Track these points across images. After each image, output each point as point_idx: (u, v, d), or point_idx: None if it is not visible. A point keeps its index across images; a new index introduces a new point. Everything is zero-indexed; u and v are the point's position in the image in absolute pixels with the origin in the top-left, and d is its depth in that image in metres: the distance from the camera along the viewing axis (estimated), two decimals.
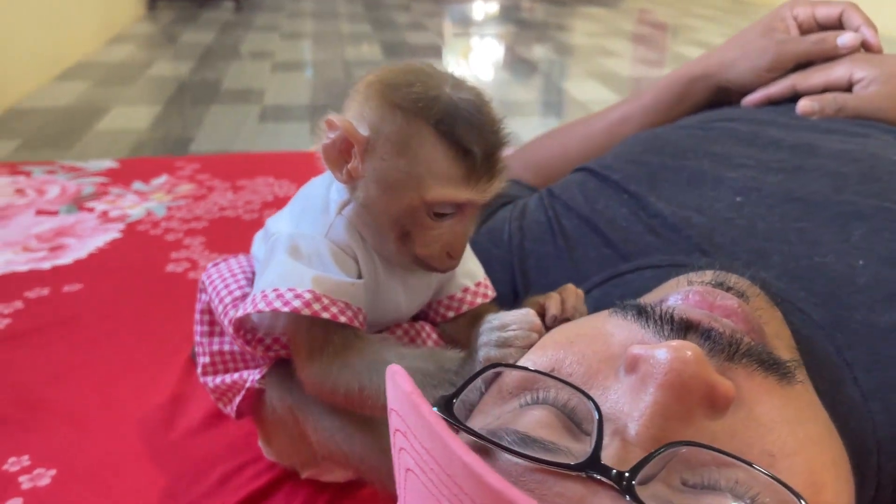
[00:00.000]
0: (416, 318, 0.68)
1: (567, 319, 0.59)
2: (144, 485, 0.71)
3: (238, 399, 0.66)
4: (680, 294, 0.44)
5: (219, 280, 0.66)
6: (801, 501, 0.32)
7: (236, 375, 0.66)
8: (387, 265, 0.60)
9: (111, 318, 0.98)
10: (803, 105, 0.84)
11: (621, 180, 0.76)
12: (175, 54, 2.93)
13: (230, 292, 0.64)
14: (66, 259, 1.12)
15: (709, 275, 0.47)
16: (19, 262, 1.11)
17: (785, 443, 0.36)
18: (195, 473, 0.72)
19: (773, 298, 0.59)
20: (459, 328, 0.66)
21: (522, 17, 4.30)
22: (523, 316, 0.52)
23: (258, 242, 0.66)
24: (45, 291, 1.04)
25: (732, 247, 0.65)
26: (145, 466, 0.73)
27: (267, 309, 0.56)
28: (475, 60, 3.15)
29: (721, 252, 0.66)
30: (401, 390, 0.37)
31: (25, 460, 0.74)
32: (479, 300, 0.66)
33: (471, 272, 0.67)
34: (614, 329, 0.43)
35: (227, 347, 0.67)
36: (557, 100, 2.49)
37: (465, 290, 0.66)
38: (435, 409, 0.39)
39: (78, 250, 1.15)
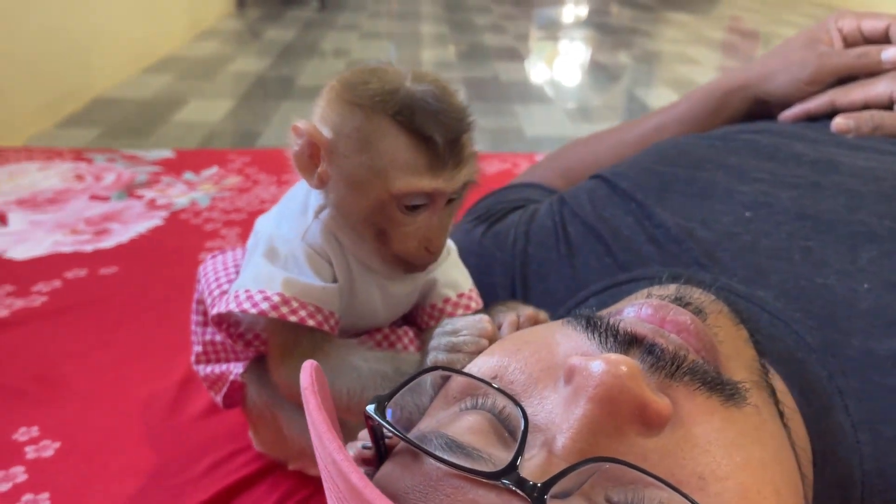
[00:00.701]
0: (406, 322, 0.68)
1: None
2: (139, 464, 0.74)
3: (224, 390, 0.68)
4: (634, 307, 0.43)
5: (212, 272, 0.68)
6: None
7: (224, 367, 0.68)
8: (364, 270, 0.61)
9: (138, 301, 1.02)
10: (838, 122, 0.81)
11: (629, 188, 0.75)
12: (257, 51, 3.02)
13: (219, 285, 0.65)
14: (108, 243, 1.18)
15: (671, 289, 0.46)
16: (66, 244, 1.17)
17: (718, 466, 0.35)
18: (188, 458, 0.74)
19: (765, 318, 0.57)
20: None
21: (605, 21, 4.25)
22: (475, 322, 0.52)
23: (251, 239, 0.68)
24: (83, 273, 1.09)
25: (732, 262, 0.63)
26: (143, 447, 0.76)
27: (237, 309, 0.57)
28: (551, 64, 3.13)
29: (720, 267, 0.64)
30: (301, 386, 0.37)
31: (34, 431, 0.78)
32: (460, 311, 0.66)
33: (454, 283, 0.67)
34: (562, 339, 0.42)
35: (218, 338, 0.69)
36: (630, 107, 2.45)
37: (447, 300, 0.66)
38: (370, 407, 0.39)
39: (120, 235, 1.21)
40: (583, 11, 4.65)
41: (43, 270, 1.09)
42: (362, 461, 0.44)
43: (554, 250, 0.75)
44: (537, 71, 2.91)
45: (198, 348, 0.69)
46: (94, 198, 1.35)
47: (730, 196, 0.69)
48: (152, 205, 1.33)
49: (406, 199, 0.54)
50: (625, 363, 0.35)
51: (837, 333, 0.55)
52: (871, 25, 0.88)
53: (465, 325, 0.52)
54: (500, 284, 0.76)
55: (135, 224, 1.25)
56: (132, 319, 0.98)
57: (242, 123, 2.05)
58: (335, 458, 0.32)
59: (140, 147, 1.68)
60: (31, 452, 0.75)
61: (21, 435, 0.77)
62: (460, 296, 0.66)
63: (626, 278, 0.68)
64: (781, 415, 0.44)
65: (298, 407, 0.63)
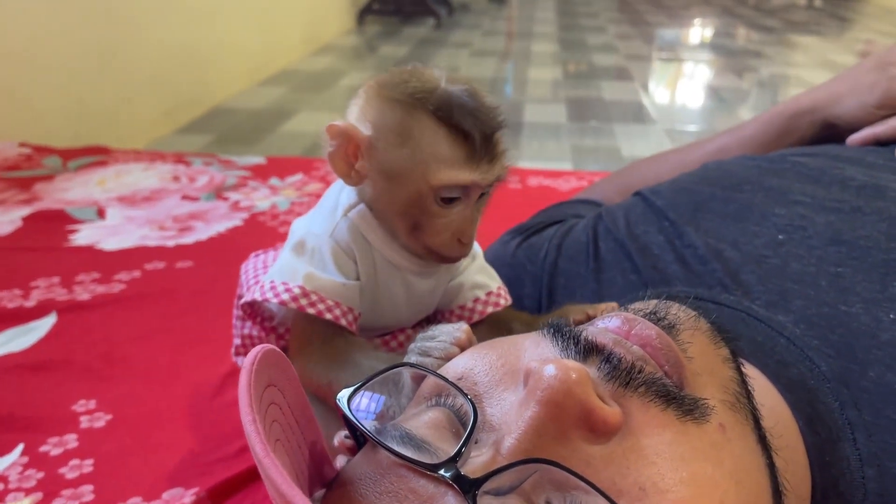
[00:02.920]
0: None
1: None
2: (176, 441, 0.79)
3: None
4: (605, 319, 0.44)
5: (252, 270, 0.73)
6: None
7: None
8: (389, 267, 0.63)
9: (205, 294, 1.09)
10: None
11: (664, 207, 0.74)
12: (369, 66, 3.13)
13: (257, 281, 0.70)
14: (188, 239, 1.26)
15: (651, 304, 0.46)
16: (152, 238, 1.27)
17: (662, 478, 0.35)
18: (222, 439, 0.79)
19: (782, 343, 0.56)
20: (481, 336, 0.67)
21: (725, 44, 4.13)
22: (452, 330, 0.53)
23: (288, 237, 0.72)
24: (161, 265, 1.17)
25: (757, 286, 0.62)
26: (183, 425, 0.82)
27: (261, 298, 0.61)
28: (660, 85, 3.08)
29: (743, 290, 0.63)
30: (244, 364, 0.40)
31: (91, 404, 0.85)
32: (490, 309, 0.68)
33: (482, 285, 0.69)
34: (530, 345, 0.43)
35: (255, 332, 0.73)
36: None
37: (476, 300, 0.68)
38: (340, 398, 0.42)
39: (201, 233, 1.29)
40: (706, 33, 4.54)
41: (126, 261, 1.18)
42: (346, 449, 0.47)
43: (583, 265, 0.75)
44: (644, 92, 2.87)
45: (237, 341, 0.74)
46: (186, 198, 1.45)
47: (765, 218, 0.68)
48: (236, 206, 1.42)
49: (444, 191, 0.57)
50: (575, 369, 0.36)
51: (854, 364, 0.53)
52: None
53: (440, 332, 0.54)
54: (528, 296, 0.77)
55: (216, 223, 1.33)
56: (196, 310, 1.05)
57: None
58: (248, 429, 0.35)
59: (246, 154, 1.78)
60: (84, 422, 0.82)
61: (79, 406, 0.85)
62: (488, 294, 0.69)
63: (633, 299, 0.67)
64: (764, 438, 0.43)
65: (316, 396, 0.66)
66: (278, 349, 0.43)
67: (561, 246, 0.79)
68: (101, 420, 0.82)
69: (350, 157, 0.59)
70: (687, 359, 0.41)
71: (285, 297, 0.60)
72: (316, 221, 0.65)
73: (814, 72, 3.24)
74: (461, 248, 0.60)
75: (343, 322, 0.61)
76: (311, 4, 3.36)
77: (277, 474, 0.31)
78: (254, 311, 0.68)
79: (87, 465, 0.75)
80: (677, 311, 0.45)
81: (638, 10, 5.26)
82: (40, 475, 0.74)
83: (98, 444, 0.78)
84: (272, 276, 0.63)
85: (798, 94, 0.96)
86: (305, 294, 0.60)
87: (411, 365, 0.46)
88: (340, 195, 0.64)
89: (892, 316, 0.54)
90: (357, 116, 0.59)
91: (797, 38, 4.20)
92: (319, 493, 0.43)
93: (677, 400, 0.38)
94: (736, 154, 0.96)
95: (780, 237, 0.65)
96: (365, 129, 0.57)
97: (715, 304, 0.62)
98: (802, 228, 0.65)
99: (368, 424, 0.40)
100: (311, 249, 0.63)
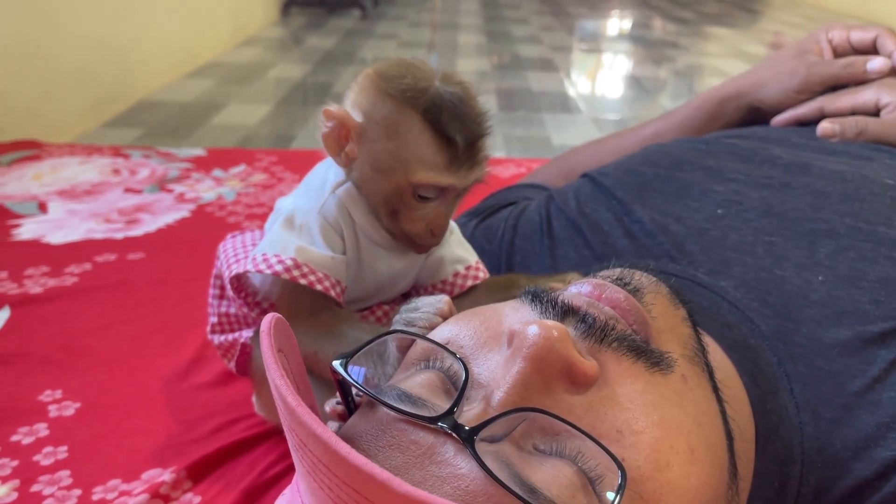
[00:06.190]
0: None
1: None
2: (149, 425, 0.81)
3: (236, 355, 0.74)
4: (577, 285, 0.48)
5: (231, 249, 0.74)
6: (621, 472, 0.36)
7: (236, 334, 0.74)
8: (371, 244, 0.67)
9: (160, 284, 1.09)
10: (823, 127, 0.84)
11: (611, 186, 0.79)
12: (297, 58, 3.11)
13: (237, 259, 0.72)
14: (137, 231, 1.26)
15: (616, 272, 0.50)
16: (99, 231, 1.26)
17: (636, 421, 0.39)
18: (194, 421, 0.81)
19: (724, 306, 0.61)
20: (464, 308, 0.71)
21: (643, 35, 4.26)
22: (434, 301, 0.57)
23: (270, 218, 0.74)
24: (113, 257, 1.17)
25: (700, 255, 0.67)
26: (154, 410, 0.83)
27: (253, 270, 0.64)
28: (584, 76, 3.17)
29: (688, 259, 0.68)
30: (262, 329, 0.43)
31: (58, 394, 0.85)
32: (469, 282, 0.72)
33: (461, 258, 0.73)
34: (510, 311, 0.47)
35: (232, 310, 0.75)
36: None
37: (456, 274, 0.72)
38: (336, 363, 0.44)
39: (149, 225, 1.29)
40: (624, 25, 4.68)
41: (76, 254, 1.17)
42: (336, 416, 0.49)
43: (538, 243, 0.80)
44: (570, 82, 2.95)
45: (213, 319, 0.76)
46: (129, 190, 1.44)
47: (704, 195, 0.73)
48: (181, 198, 1.41)
49: (422, 189, 0.61)
50: (556, 328, 0.40)
51: (789, 322, 0.59)
52: (859, 37, 0.92)
53: (424, 303, 0.57)
54: None
55: (163, 215, 1.33)
56: (153, 299, 1.05)
57: (278, 127, 2.13)
58: (277, 384, 0.38)
59: (178, 148, 1.76)
60: (53, 411, 0.82)
61: (46, 396, 0.85)
62: (468, 268, 0.73)
63: (599, 268, 0.72)
64: (717, 390, 0.48)
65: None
66: (283, 317, 0.46)
67: (516, 226, 0.83)
68: (70, 409, 0.83)
69: (342, 139, 0.62)
70: (651, 318, 0.46)
71: (278, 268, 0.63)
72: (303, 198, 0.68)
73: (727, 61, 3.39)
74: (432, 239, 0.64)
75: (332, 293, 0.64)
76: None
77: (322, 429, 0.34)
78: (240, 285, 0.70)
79: (62, 452, 0.76)
80: (640, 277, 0.50)
81: (559, 2, 5.38)
82: (14, 463, 0.75)
83: (70, 432, 0.79)
84: (263, 249, 0.65)
85: (725, 81, 1.03)
86: (297, 266, 0.63)
87: (403, 332, 0.50)
88: (328, 172, 0.68)
89: (820, 278, 0.60)
90: (352, 103, 0.62)
91: (710, 30, 4.37)
92: None
93: (646, 353, 0.43)
94: (670, 138, 1.02)
95: (719, 211, 0.71)
96: (357, 117, 0.61)
97: (664, 274, 0.67)
98: (738, 203, 0.71)
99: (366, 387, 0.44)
100: (301, 224, 0.66)
